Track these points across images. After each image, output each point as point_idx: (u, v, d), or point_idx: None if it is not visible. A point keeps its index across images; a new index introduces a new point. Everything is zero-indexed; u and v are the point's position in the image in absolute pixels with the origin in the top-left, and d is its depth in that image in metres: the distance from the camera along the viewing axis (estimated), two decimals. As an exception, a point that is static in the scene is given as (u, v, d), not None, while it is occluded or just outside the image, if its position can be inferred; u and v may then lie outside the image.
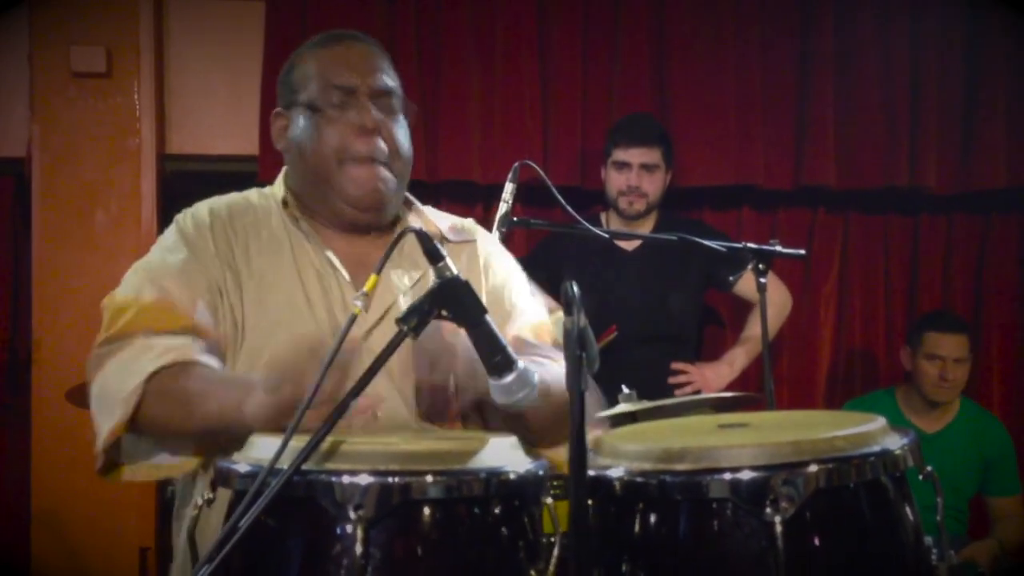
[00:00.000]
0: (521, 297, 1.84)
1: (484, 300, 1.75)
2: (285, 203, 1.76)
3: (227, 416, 1.48)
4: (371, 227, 1.77)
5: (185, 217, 1.77)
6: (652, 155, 3.49)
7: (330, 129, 1.69)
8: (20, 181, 3.79)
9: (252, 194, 1.83)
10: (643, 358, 3.43)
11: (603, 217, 3.63)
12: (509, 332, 1.72)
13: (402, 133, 1.76)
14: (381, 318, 1.69)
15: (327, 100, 1.70)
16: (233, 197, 1.81)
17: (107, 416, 1.58)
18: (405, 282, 1.73)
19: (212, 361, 1.61)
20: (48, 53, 3.67)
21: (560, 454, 1.62)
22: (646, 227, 3.55)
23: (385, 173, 1.72)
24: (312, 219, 1.76)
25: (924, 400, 3.60)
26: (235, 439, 1.42)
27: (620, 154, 3.49)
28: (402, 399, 1.67)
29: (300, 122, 1.73)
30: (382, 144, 1.71)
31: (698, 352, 3.79)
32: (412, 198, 1.87)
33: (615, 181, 3.51)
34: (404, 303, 1.67)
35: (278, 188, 1.80)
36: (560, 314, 1.89)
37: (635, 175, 3.47)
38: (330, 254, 1.72)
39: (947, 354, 3.54)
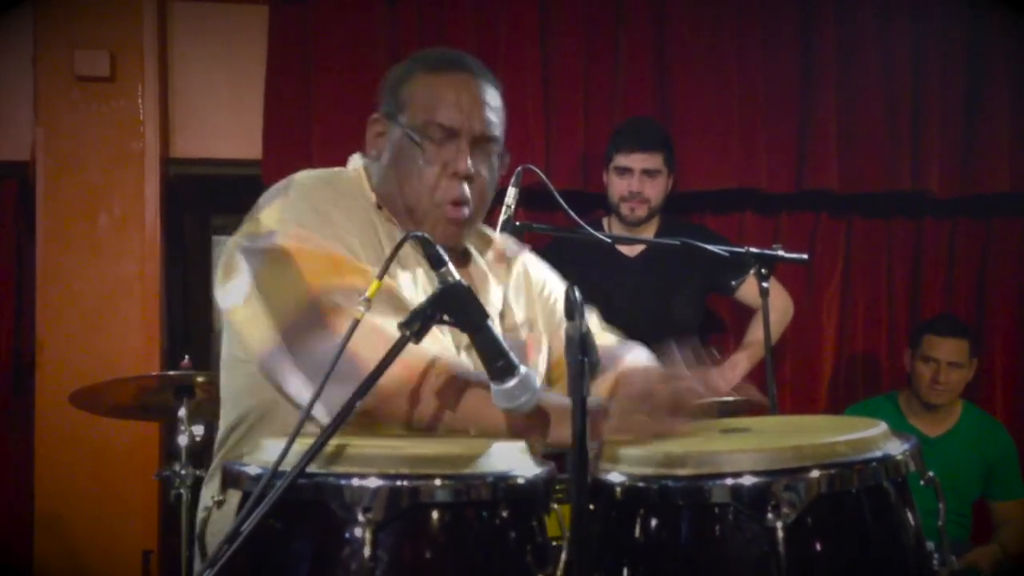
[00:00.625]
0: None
1: (537, 310, 1.86)
2: (379, 206, 1.75)
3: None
4: None
5: (301, 182, 1.69)
6: (654, 160, 3.49)
7: (425, 165, 1.70)
8: (24, 184, 3.79)
9: (342, 171, 1.80)
10: None
11: (605, 222, 3.62)
12: (556, 340, 1.81)
13: (491, 178, 1.77)
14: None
15: (428, 135, 1.70)
16: (327, 173, 1.76)
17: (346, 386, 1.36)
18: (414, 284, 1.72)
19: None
20: (52, 57, 3.68)
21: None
22: (648, 232, 3.55)
23: (466, 215, 1.73)
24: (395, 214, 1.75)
25: (923, 403, 3.60)
26: None
27: (622, 159, 3.49)
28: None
29: (398, 141, 1.73)
30: (467, 189, 1.71)
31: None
32: (484, 228, 1.92)
33: (617, 186, 3.51)
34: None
35: (361, 176, 1.77)
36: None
37: (637, 180, 3.47)
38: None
39: (942, 357, 3.54)
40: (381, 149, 1.77)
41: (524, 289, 1.92)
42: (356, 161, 1.84)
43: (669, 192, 3.57)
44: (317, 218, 1.62)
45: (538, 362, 1.84)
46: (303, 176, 1.73)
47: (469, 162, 1.70)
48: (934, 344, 3.57)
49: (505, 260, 1.87)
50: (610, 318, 3.36)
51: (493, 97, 1.76)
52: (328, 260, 1.56)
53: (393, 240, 1.69)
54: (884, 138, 3.94)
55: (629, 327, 3.39)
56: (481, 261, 1.86)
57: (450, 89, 1.72)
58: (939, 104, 3.97)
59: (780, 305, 3.57)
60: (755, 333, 3.58)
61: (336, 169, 1.82)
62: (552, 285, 1.97)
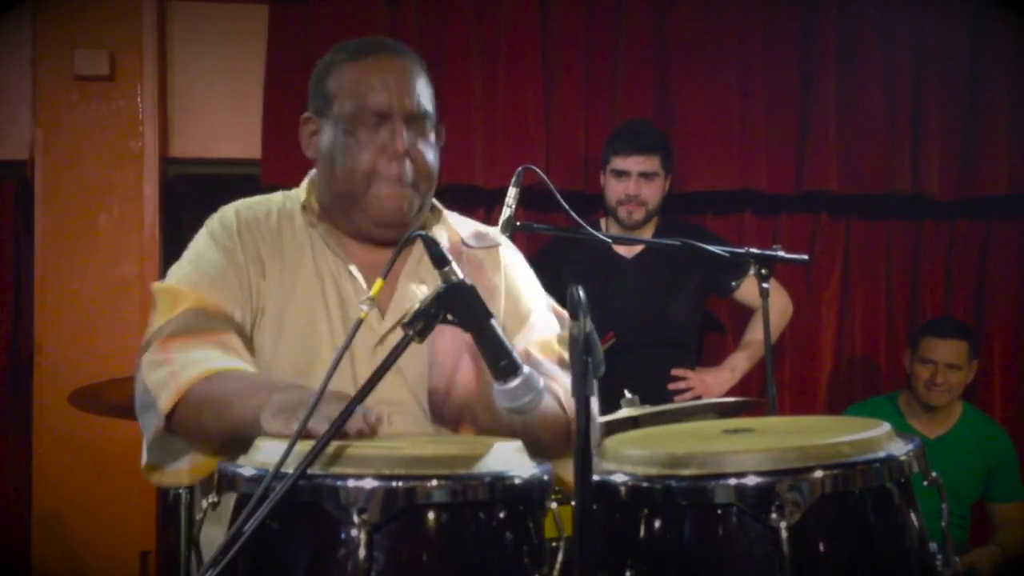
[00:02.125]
0: (536, 309, 1.85)
1: (503, 305, 1.79)
2: (304, 207, 1.78)
3: (248, 421, 1.47)
4: (394, 239, 1.76)
5: (213, 222, 1.78)
6: (651, 163, 3.47)
7: (361, 149, 1.70)
8: (23, 184, 3.79)
9: (277, 197, 1.84)
10: (644, 364, 3.43)
11: (603, 223, 3.62)
12: (519, 344, 1.73)
13: (431, 155, 1.77)
14: (395, 326, 1.70)
15: (360, 121, 1.70)
16: (258, 200, 1.82)
17: (167, 389, 1.57)
18: (424, 290, 1.73)
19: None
20: (51, 56, 3.67)
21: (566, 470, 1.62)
22: (646, 233, 3.54)
23: (411, 194, 1.73)
24: (334, 227, 1.77)
25: (923, 405, 3.60)
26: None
27: (619, 162, 3.48)
28: (417, 405, 1.69)
29: (331, 135, 1.73)
30: (410, 166, 1.71)
31: (699, 358, 3.78)
32: (439, 205, 1.88)
33: (614, 189, 3.50)
34: None
35: (302, 192, 1.81)
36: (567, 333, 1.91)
37: (634, 183, 3.46)
38: (352, 267, 1.74)
39: (939, 359, 3.53)
40: (317, 148, 1.77)
41: (485, 280, 1.83)
42: (305, 180, 1.84)
43: (667, 194, 3.57)
44: (187, 278, 1.69)
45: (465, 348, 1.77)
46: (212, 220, 1.77)
47: (406, 138, 1.70)
48: (932, 346, 3.56)
49: (460, 251, 1.82)
50: (608, 319, 3.37)
51: (418, 74, 1.76)
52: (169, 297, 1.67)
53: (320, 246, 1.73)
54: (884, 139, 3.94)
55: (627, 328, 3.41)
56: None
57: (374, 73, 1.71)
58: (939, 106, 3.97)
59: (779, 305, 3.56)
60: (753, 333, 3.58)
61: (265, 197, 1.83)
62: (523, 285, 1.88)
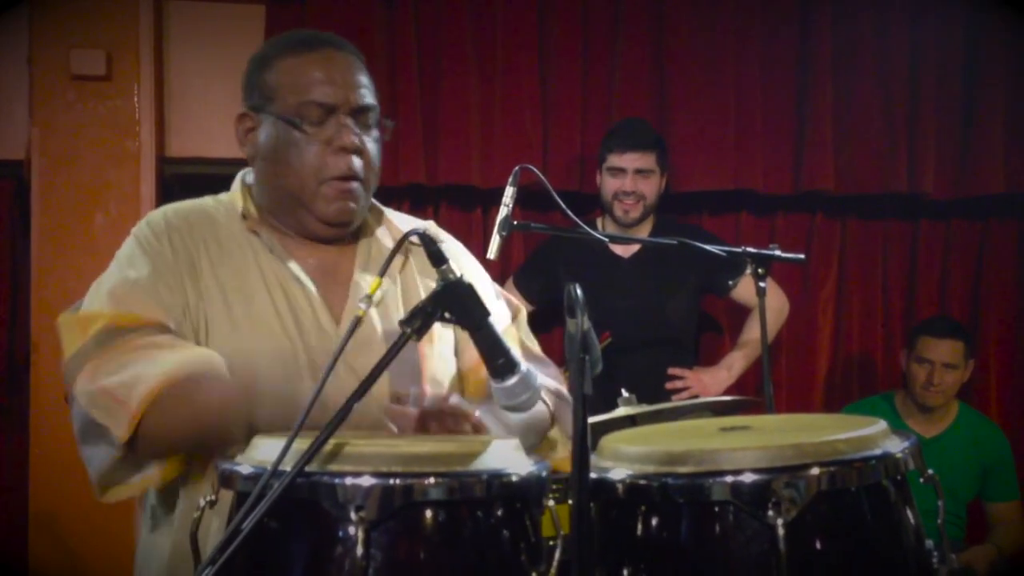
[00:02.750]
0: (488, 297, 1.81)
1: None
2: (244, 216, 1.73)
3: (236, 418, 1.49)
4: (338, 237, 1.76)
5: (141, 228, 1.71)
6: (646, 160, 3.48)
7: (307, 146, 1.66)
8: (19, 184, 3.79)
9: (208, 201, 1.78)
10: (641, 364, 3.43)
11: (599, 222, 3.62)
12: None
13: (376, 148, 1.73)
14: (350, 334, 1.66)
15: (305, 116, 1.65)
16: (188, 205, 1.77)
17: (113, 422, 1.53)
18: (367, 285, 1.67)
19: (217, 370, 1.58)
20: (48, 56, 3.67)
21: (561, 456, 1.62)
22: (643, 232, 3.55)
23: (358, 190, 1.70)
24: (273, 229, 1.73)
25: (919, 404, 3.61)
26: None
27: (615, 159, 3.48)
28: (377, 413, 1.65)
29: (272, 132, 1.68)
30: (357, 161, 1.68)
31: (696, 357, 3.79)
32: (375, 203, 1.84)
33: (610, 186, 3.50)
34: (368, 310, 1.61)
35: (235, 196, 1.77)
36: (523, 317, 1.91)
37: (630, 180, 3.47)
38: (293, 265, 1.70)
39: (936, 359, 3.55)
40: (255, 145, 1.72)
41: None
42: (236, 183, 1.80)
43: (663, 192, 3.57)
44: (111, 289, 1.63)
45: (431, 354, 1.75)
46: (140, 225, 1.72)
47: (354, 131, 1.67)
48: (929, 345, 3.57)
49: (408, 250, 1.79)
50: (604, 318, 3.38)
51: (360, 67, 1.72)
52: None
53: (261, 250, 1.69)
54: (880, 139, 3.95)
55: (624, 327, 3.41)
56: (381, 242, 1.80)
57: (317, 66, 1.67)
58: (935, 106, 3.98)
59: (776, 304, 3.57)
60: (750, 332, 3.58)
61: (197, 202, 1.78)
62: (470, 277, 1.82)
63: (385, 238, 1.81)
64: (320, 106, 1.66)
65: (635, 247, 3.56)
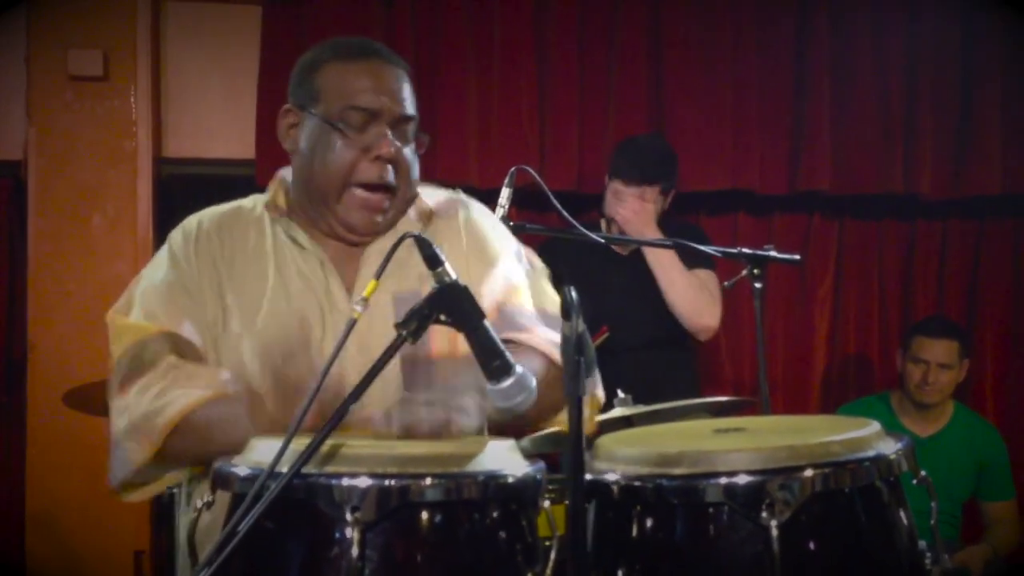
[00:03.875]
0: (503, 256, 1.83)
1: (467, 258, 1.76)
2: (268, 206, 1.76)
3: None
4: (361, 241, 1.77)
5: (175, 233, 1.78)
6: (649, 192, 3.37)
7: (344, 149, 1.68)
8: (17, 184, 3.78)
9: (246, 202, 1.82)
10: (641, 362, 3.43)
11: (603, 223, 3.62)
12: (487, 292, 1.73)
13: (413, 159, 1.76)
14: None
15: (347, 120, 1.68)
16: (224, 208, 1.81)
17: (135, 445, 1.62)
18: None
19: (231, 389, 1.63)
20: (45, 56, 3.67)
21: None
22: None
23: (387, 202, 1.72)
24: (299, 221, 1.76)
25: (915, 403, 3.62)
26: None
27: (618, 186, 3.37)
28: (389, 415, 1.66)
29: (313, 131, 1.71)
30: (391, 171, 1.70)
31: (695, 355, 3.79)
32: (419, 191, 1.84)
33: (611, 205, 3.41)
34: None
35: (269, 191, 1.81)
36: (543, 277, 1.89)
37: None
38: (313, 249, 1.73)
39: (931, 358, 3.55)
40: (296, 141, 1.75)
41: (454, 240, 1.80)
42: (275, 179, 1.83)
43: (666, 209, 3.52)
44: (142, 294, 1.72)
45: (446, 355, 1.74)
46: (175, 231, 1.78)
47: (392, 140, 1.69)
48: (924, 345, 3.58)
49: (426, 217, 1.80)
50: (603, 316, 3.38)
51: (406, 79, 1.75)
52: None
53: (286, 244, 1.72)
54: (877, 140, 3.96)
55: (624, 326, 3.41)
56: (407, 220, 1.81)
57: (365, 75, 1.70)
58: (931, 106, 3.98)
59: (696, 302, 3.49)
60: None
61: (235, 203, 1.81)
62: (488, 235, 1.85)
63: (414, 229, 1.79)
64: (363, 111, 1.69)
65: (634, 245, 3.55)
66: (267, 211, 1.77)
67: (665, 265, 3.31)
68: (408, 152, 1.74)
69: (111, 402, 1.67)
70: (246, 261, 1.73)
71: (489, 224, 1.88)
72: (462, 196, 1.91)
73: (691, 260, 3.34)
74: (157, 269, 1.74)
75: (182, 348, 1.66)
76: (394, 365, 1.63)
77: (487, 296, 1.72)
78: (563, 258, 3.51)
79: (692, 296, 3.33)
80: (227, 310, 1.70)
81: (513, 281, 1.80)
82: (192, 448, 1.59)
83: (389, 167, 1.70)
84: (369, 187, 1.70)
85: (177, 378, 1.62)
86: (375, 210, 1.72)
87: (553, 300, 1.86)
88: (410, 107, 1.74)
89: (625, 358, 3.35)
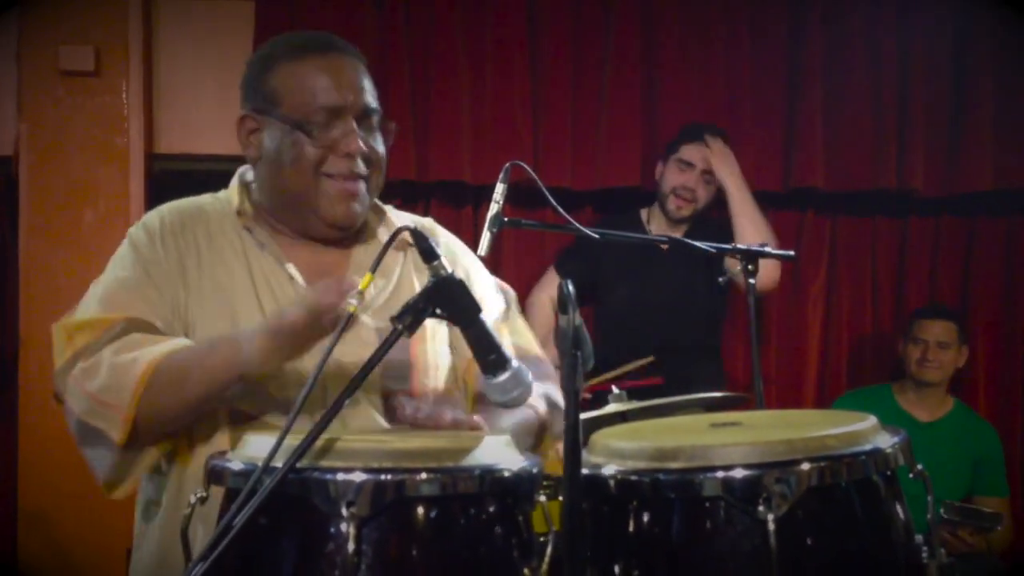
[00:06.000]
0: (486, 291, 1.83)
1: None
2: (239, 212, 1.73)
3: (229, 371, 1.52)
4: (339, 239, 1.75)
5: (137, 229, 1.73)
6: (716, 143, 3.58)
7: (312, 147, 1.65)
8: (8, 180, 3.78)
9: (206, 199, 1.78)
10: (675, 356, 3.45)
11: (644, 213, 3.67)
12: None
13: (381, 149, 1.73)
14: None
15: (312, 119, 1.64)
16: (185, 204, 1.77)
17: (105, 424, 1.58)
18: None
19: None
20: (36, 52, 3.66)
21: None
22: (682, 231, 3.58)
23: (362, 190, 1.70)
24: (271, 229, 1.73)
25: (915, 387, 3.71)
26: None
27: (687, 152, 3.56)
28: (374, 408, 1.67)
29: (277, 135, 1.67)
30: (362, 164, 1.68)
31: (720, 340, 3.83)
32: (379, 203, 1.83)
33: (672, 176, 3.58)
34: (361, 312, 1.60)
35: (233, 194, 1.76)
36: (515, 311, 1.89)
37: (694, 178, 3.54)
38: (290, 267, 1.70)
39: (929, 337, 3.69)
40: (259, 147, 1.70)
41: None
42: (234, 180, 1.79)
43: (712, 201, 3.62)
44: (105, 293, 1.68)
45: (425, 351, 1.75)
46: (136, 226, 1.74)
47: (360, 133, 1.66)
48: (923, 326, 3.71)
49: (405, 246, 1.77)
50: (643, 304, 3.42)
51: (363, 70, 1.71)
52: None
53: (254, 250, 1.69)
54: (870, 137, 3.96)
55: (661, 319, 3.45)
56: (381, 243, 1.74)
57: (323, 71, 1.66)
58: (924, 103, 3.99)
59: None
60: None
61: (195, 200, 1.78)
62: (471, 273, 1.84)
63: (385, 239, 1.79)
64: (327, 110, 1.65)
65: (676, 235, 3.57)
66: (238, 217, 1.72)
67: (749, 208, 3.53)
68: (375, 140, 1.71)
69: (65, 401, 1.64)
70: (212, 263, 1.69)
71: (469, 260, 1.87)
72: (435, 225, 1.89)
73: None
74: (117, 267, 1.70)
75: (144, 330, 1.62)
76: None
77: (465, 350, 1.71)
78: (608, 250, 3.52)
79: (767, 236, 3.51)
80: (189, 309, 1.66)
81: (495, 323, 1.76)
82: (167, 401, 1.55)
83: (359, 161, 1.67)
84: (341, 177, 1.67)
85: (139, 342, 1.59)
86: (351, 196, 1.68)
87: (528, 337, 1.88)
88: (372, 99, 1.70)
89: (662, 352, 3.38)
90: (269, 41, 1.76)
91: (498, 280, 1.94)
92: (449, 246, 1.85)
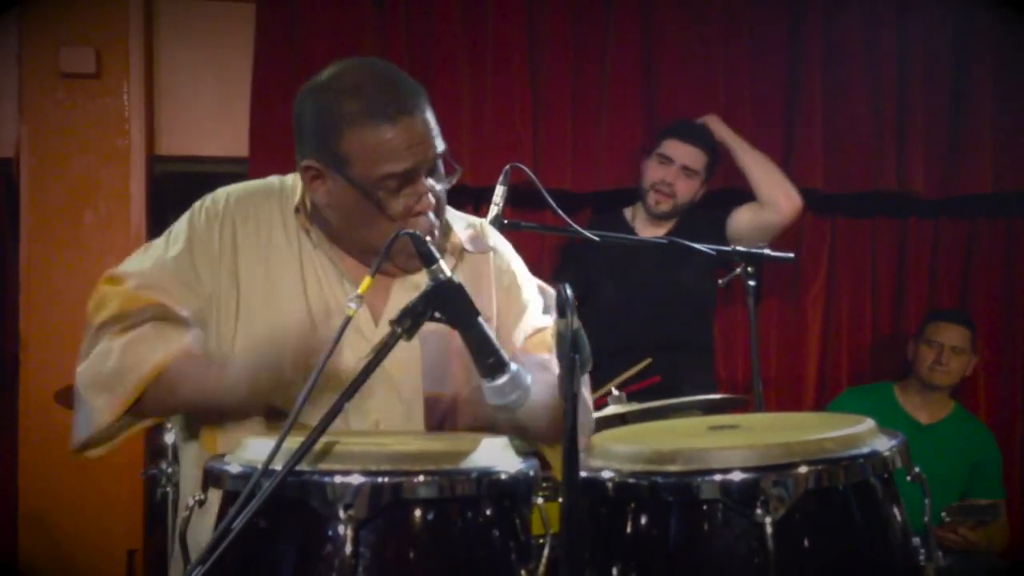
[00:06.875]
0: (531, 303, 1.83)
1: (495, 305, 1.77)
2: (297, 210, 1.72)
3: (208, 396, 1.59)
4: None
5: (200, 205, 1.74)
6: (697, 159, 3.53)
7: (386, 218, 1.62)
8: (8, 182, 3.77)
9: (274, 184, 1.77)
10: (665, 358, 3.44)
11: (628, 212, 3.66)
12: (517, 338, 1.75)
13: (444, 191, 1.70)
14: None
15: (383, 186, 1.60)
16: (254, 187, 1.77)
17: (103, 404, 1.66)
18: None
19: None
20: (37, 54, 3.65)
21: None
22: (667, 228, 3.57)
23: (434, 233, 1.66)
24: (329, 236, 1.72)
25: (921, 388, 3.70)
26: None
27: (668, 147, 3.53)
28: (410, 415, 1.65)
29: (348, 194, 1.62)
30: (433, 216, 1.66)
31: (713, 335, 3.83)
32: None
33: (652, 172, 3.55)
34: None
35: (297, 189, 1.73)
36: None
37: (673, 172, 3.51)
38: (338, 263, 1.70)
39: (945, 340, 3.67)
40: (326, 195, 1.66)
41: (484, 282, 1.80)
42: (301, 185, 1.76)
43: (696, 199, 3.58)
44: (150, 265, 1.73)
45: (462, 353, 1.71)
46: (201, 202, 1.75)
47: (428, 185, 1.63)
48: (939, 328, 3.70)
49: (458, 253, 1.77)
50: (631, 300, 3.42)
51: (429, 111, 1.65)
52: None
53: (308, 246, 1.70)
54: (869, 139, 3.96)
55: (649, 320, 3.45)
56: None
57: (397, 138, 1.59)
58: (924, 105, 3.98)
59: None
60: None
61: (263, 184, 1.78)
62: (519, 281, 1.85)
63: (442, 241, 1.76)
64: (399, 176, 1.60)
65: (661, 233, 3.56)
66: (296, 215, 1.71)
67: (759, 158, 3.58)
68: (440, 186, 1.68)
69: (84, 343, 1.71)
70: (267, 253, 1.70)
71: (516, 265, 1.87)
72: (485, 226, 1.88)
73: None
74: (169, 242, 1.72)
75: (167, 318, 1.66)
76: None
77: (517, 340, 1.75)
78: (595, 251, 3.51)
79: (779, 179, 3.61)
80: (233, 295, 1.68)
81: (539, 326, 1.79)
82: (162, 403, 1.64)
83: (431, 213, 1.65)
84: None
85: (149, 337, 1.64)
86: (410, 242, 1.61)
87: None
88: (439, 142, 1.65)
89: (650, 354, 3.37)
90: (340, 89, 1.66)
91: (539, 282, 1.93)
92: (501, 249, 1.86)
